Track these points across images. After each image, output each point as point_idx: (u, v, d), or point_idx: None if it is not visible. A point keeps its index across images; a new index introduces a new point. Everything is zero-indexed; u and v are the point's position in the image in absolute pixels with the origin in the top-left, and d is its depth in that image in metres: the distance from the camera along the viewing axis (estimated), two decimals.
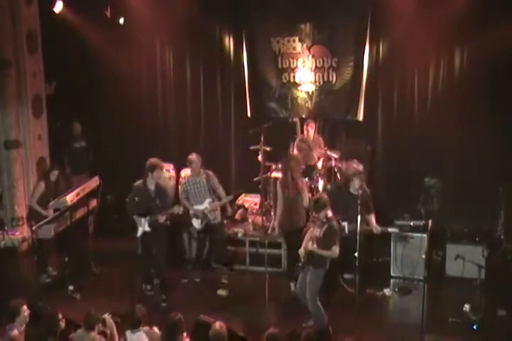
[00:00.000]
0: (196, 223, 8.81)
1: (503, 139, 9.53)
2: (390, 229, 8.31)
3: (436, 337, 7.29)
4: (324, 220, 7.27)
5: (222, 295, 8.57)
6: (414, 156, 10.19)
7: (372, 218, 8.18)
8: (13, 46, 9.70)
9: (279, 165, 9.47)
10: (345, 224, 8.08)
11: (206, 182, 8.67)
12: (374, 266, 9.26)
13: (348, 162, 9.27)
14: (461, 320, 7.73)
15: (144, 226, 8.25)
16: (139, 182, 8.39)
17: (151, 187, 8.31)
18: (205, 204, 8.67)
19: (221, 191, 8.78)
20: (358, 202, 7.65)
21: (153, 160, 8.33)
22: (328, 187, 9.78)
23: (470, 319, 7.72)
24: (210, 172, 8.77)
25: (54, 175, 9.01)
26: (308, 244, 7.28)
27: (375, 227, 8.12)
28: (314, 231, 7.34)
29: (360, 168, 8.86)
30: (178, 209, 8.29)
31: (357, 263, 7.86)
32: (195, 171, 8.69)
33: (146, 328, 6.30)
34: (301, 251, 7.38)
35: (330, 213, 7.35)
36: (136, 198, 8.26)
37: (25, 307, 6.22)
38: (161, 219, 8.16)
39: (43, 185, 8.88)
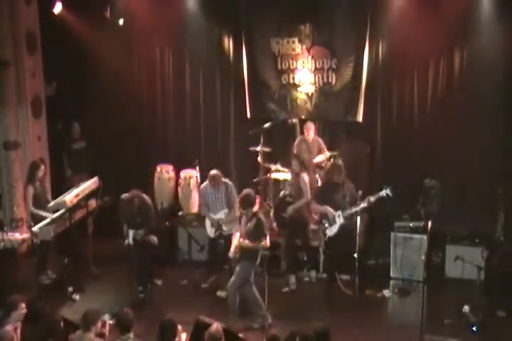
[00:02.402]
0: (210, 231, 8.84)
1: (503, 139, 9.54)
2: (381, 193, 8.11)
3: (435, 338, 7.29)
4: (251, 215, 7.46)
5: (221, 297, 8.56)
6: (414, 157, 10.18)
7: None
8: (12, 46, 9.71)
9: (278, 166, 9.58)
10: (338, 213, 8.19)
11: (224, 193, 8.64)
12: (373, 267, 9.27)
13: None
14: (457, 321, 7.73)
15: (129, 239, 8.41)
16: (125, 196, 8.49)
17: (136, 203, 8.41)
18: (221, 215, 8.67)
19: (236, 204, 8.67)
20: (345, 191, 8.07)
21: (131, 194, 8.41)
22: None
23: (469, 320, 7.71)
24: (230, 184, 8.75)
25: (41, 170, 9.00)
26: (240, 241, 7.47)
27: (368, 199, 8.10)
28: (242, 227, 7.56)
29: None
30: (153, 239, 8.36)
31: (356, 264, 7.89)
32: (214, 186, 8.66)
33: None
34: (232, 249, 7.60)
35: (256, 207, 7.56)
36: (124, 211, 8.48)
37: (23, 304, 6.17)
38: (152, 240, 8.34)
39: (31, 188, 8.83)
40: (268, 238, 7.56)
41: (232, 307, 7.65)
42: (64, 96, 11.04)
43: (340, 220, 8.23)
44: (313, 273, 9.22)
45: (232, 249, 7.66)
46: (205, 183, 8.90)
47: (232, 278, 7.64)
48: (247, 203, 7.58)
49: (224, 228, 8.66)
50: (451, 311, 8.03)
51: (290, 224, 8.99)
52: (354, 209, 8.12)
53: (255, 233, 7.46)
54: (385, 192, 8.07)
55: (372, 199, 8.11)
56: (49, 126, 10.61)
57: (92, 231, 9.65)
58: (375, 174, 10.52)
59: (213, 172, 8.69)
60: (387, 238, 9.18)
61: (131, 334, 5.96)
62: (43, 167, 9.06)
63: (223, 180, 8.74)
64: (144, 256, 8.46)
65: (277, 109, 10.91)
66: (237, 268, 7.61)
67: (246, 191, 7.87)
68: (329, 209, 8.33)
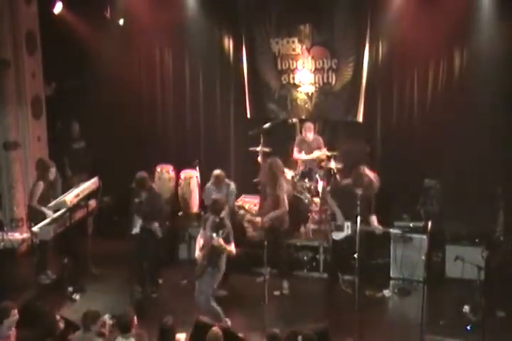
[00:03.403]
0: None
1: (503, 139, 9.54)
2: (392, 230, 8.29)
3: (435, 338, 7.29)
4: (217, 220, 7.39)
5: (222, 295, 8.55)
6: (414, 157, 10.19)
7: (374, 219, 8.19)
8: (12, 46, 9.72)
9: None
10: (348, 224, 8.15)
11: (226, 194, 8.66)
12: (374, 267, 9.27)
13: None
14: (457, 321, 7.72)
15: (137, 228, 8.39)
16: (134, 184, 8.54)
17: (143, 194, 8.43)
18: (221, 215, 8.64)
19: (230, 204, 8.69)
20: (358, 202, 7.81)
21: (139, 177, 8.44)
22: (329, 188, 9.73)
23: (469, 320, 7.70)
24: (232, 187, 8.78)
25: (52, 173, 8.99)
26: (213, 241, 7.30)
27: (377, 228, 8.13)
28: (208, 233, 7.42)
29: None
30: (155, 228, 8.38)
31: (356, 264, 7.89)
32: (217, 185, 8.69)
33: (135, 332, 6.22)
34: (198, 254, 7.45)
35: (223, 214, 7.47)
36: (136, 199, 8.43)
37: (15, 311, 6.04)
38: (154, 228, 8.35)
39: (42, 184, 8.83)
40: (233, 245, 7.46)
41: (217, 315, 7.46)
42: (64, 97, 11.04)
43: (348, 231, 8.19)
44: (313, 273, 9.22)
45: (197, 253, 7.52)
46: (209, 183, 8.93)
47: (203, 289, 7.45)
48: (214, 209, 7.46)
49: None
50: (451, 311, 8.02)
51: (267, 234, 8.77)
52: (362, 228, 8.00)
53: (224, 240, 7.33)
54: (395, 231, 8.28)
55: (380, 230, 8.15)
56: (49, 126, 10.61)
57: (91, 231, 9.64)
58: (375, 174, 10.50)
59: (217, 172, 8.74)
60: (387, 238, 9.17)
61: (133, 332, 5.98)
62: (53, 169, 9.02)
63: (227, 181, 8.76)
64: (147, 249, 8.46)
65: (277, 109, 10.92)
66: (204, 279, 7.43)
67: (214, 197, 7.84)
68: (340, 215, 8.27)
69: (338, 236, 8.32)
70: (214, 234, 7.32)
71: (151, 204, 8.43)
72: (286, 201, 8.55)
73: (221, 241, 7.29)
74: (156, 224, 8.41)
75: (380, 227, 8.15)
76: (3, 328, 5.98)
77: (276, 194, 8.52)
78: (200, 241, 7.59)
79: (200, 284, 7.51)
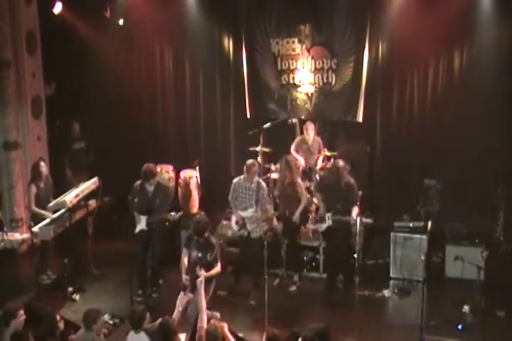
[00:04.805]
0: (235, 228, 8.60)
1: (503, 139, 9.54)
2: (365, 220, 8.35)
3: (435, 338, 7.29)
4: (202, 240, 7.29)
5: (223, 295, 8.56)
6: (414, 157, 10.20)
7: (354, 210, 8.27)
8: (12, 46, 9.69)
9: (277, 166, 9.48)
10: (328, 214, 8.32)
11: (256, 190, 8.40)
12: (373, 267, 9.28)
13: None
14: (451, 322, 7.71)
15: (141, 225, 8.33)
16: (138, 182, 8.47)
17: (149, 188, 8.38)
18: (247, 213, 8.45)
19: (266, 204, 8.56)
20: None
21: (147, 167, 8.36)
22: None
23: (464, 320, 7.70)
24: (262, 183, 8.52)
25: (42, 166, 8.94)
26: (196, 271, 7.12)
27: (352, 218, 8.16)
28: (193, 254, 7.32)
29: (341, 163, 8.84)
30: (173, 217, 8.29)
31: (356, 264, 7.91)
32: (249, 178, 8.37)
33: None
34: (185, 277, 7.24)
35: (207, 234, 7.37)
36: (136, 198, 8.38)
37: (22, 311, 6.08)
38: (171, 217, 8.27)
39: (33, 187, 8.80)
40: (219, 264, 7.35)
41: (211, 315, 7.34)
42: (64, 97, 11.04)
43: (329, 222, 8.34)
44: (313, 274, 9.23)
45: (184, 276, 7.29)
46: (238, 177, 8.59)
47: (197, 305, 7.05)
48: (197, 230, 7.29)
49: (248, 227, 8.44)
50: (451, 311, 8.02)
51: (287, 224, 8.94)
52: (341, 218, 8.21)
53: (211, 261, 7.26)
54: (367, 220, 8.46)
55: (354, 219, 8.16)
56: (49, 126, 10.61)
57: (92, 231, 9.63)
58: (375, 174, 10.53)
59: (250, 161, 8.40)
60: (387, 238, 9.18)
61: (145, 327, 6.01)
62: (42, 163, 8.97)
63: (257, 179, 8.45)
64: (150, 247, 8.48)
65: (277, 109, 10.93)
66: (196, 295, 7.08)
67: (196, 218, 7.71)
68: (322, 207, 8.48)
69: (321, 227, 8.50)
70: (199, 254, 7.25)
71: (158, 196, 8.38)
72: (304, 192, 8.75)
73: (203, 275, 7.01)
74: (167, 214, 8.28)
75: (355, 217, 8.15)
76: (10, 329, 5.98)
77: (295, 189, 8.61)
78: (184, 261, 7.37)
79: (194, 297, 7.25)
